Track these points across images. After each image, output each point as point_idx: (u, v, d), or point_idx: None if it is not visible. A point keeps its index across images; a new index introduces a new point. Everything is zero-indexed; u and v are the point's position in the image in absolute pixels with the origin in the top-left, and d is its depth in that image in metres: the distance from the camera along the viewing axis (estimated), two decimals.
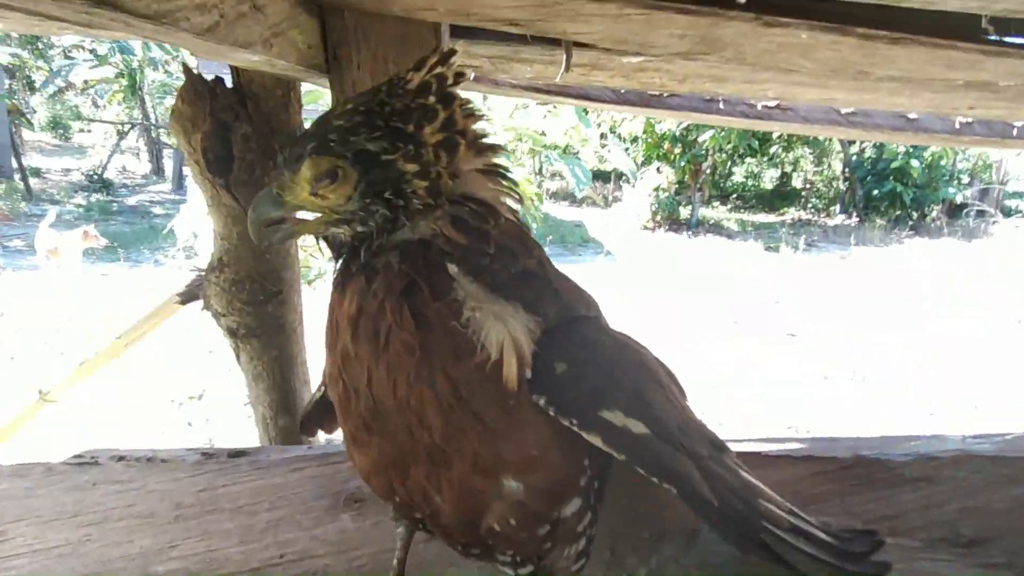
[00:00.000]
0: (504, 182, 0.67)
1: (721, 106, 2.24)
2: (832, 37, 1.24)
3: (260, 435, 1.69)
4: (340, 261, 0.66)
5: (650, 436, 0.65)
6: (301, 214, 0.65)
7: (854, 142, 19.69)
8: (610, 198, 20.06)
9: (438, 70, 0.62)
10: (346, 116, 0.63)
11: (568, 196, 20.85)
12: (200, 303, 1.67)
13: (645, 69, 1.77)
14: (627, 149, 18.68)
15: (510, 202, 0.68)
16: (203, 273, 1.60)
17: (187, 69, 1.38)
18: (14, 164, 16.50)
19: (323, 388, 0.89)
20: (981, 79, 1.38)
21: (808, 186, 21.91)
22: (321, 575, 1.00)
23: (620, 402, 0.65)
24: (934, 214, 17.62)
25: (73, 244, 8.59)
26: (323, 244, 0.68)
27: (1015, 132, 2.36)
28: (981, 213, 16.85)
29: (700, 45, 1.32)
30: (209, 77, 1.43)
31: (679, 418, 0.71)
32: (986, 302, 8.90)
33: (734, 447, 1.29)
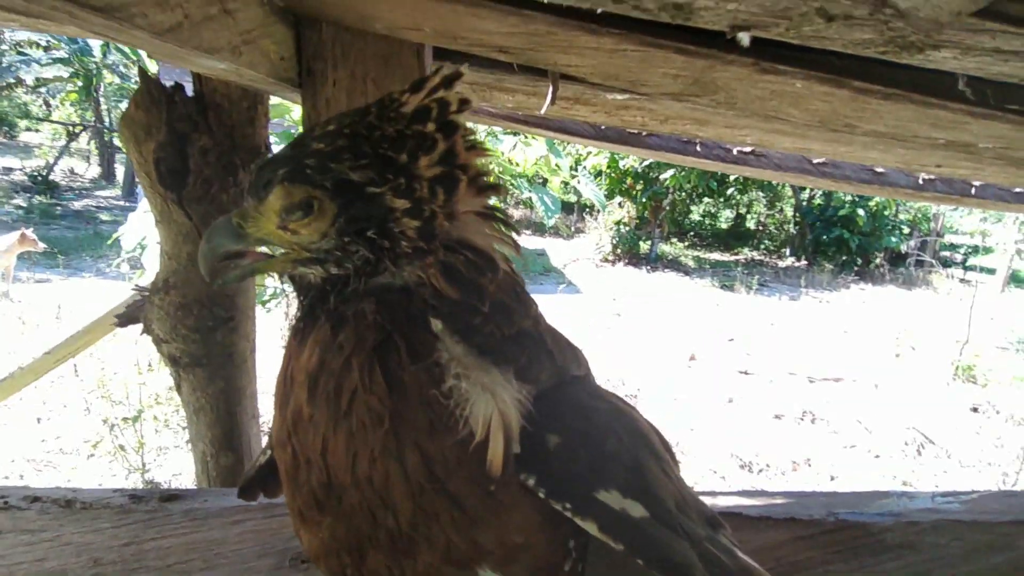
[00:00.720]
0: (503, 228, 0.59)
1: (698, 148, 2.25)
2: (826, 88, 1.23)
3: (198, 474, 1.53)
4: (304, 303, 0.57)
5: (649, 520, 0.57)
6: (264, 249, 0.55)
7: (804, 188, 20.62)
8: (573, 229, 20.31)
9: (440, 94, 0.54)
10: (327, 139, 0.54)
11: (532, 225, 21.01)
12: (140, 326, 1.52)
13: (629, 107, 1.74)
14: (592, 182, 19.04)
15: (506, 250, 0.60)
16: (146, 294, 1.46)
17: (143, 73, 1.27)
18: None
19: (268, 452, 0.77)
20: (963, 139, 1.39)
21: (761, 228, 22.75)
22: None
23: (618, 480, 0.57)
24: (878, 261, 18.50)
25: (8, 247, 8.07)
26: (286, 281, 0.59)
27: (973, 191, 2.45)
28: (920, 263, 17.80)
29: (692, 87, 1.29)
30: (169, 83, 1.32)
31: (676, 494, 0.63)
32: (924, 348, 9.30)
33: (712, 500, 1.22)
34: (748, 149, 2.26)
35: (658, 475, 0.62)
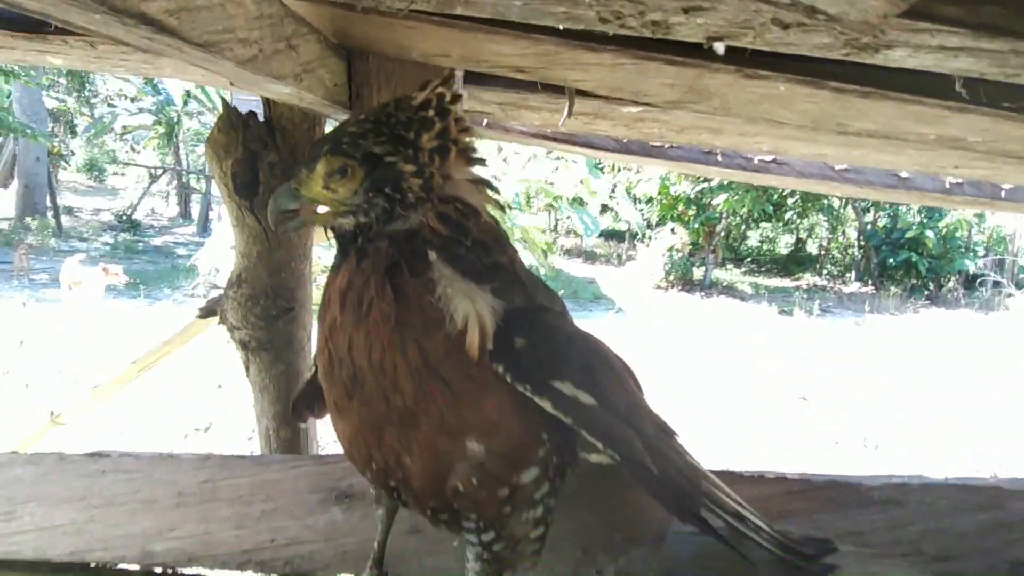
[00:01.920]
0: (489, 191, 0.78)
1: (719, 158, 2.38)
2: (808, 90, 1.36)
3: (261, 446, 1.75)
4: (340, 245, 0.76)
5: (597, 407, 0.73)
6: (314, 207, 0.76)
7: (868, 210, 19.92)
8: (624, 257, 20.26)
9: (439, 90, 0.75)
10: (358, 124, 0.75)
11: (582, 253, 21.11)
12: (216, 320, 1.78)
13: (644, 119, 1.91)
14: (642, 210, 19.05)
15: (493, 209, 0.78)
16: (224, 290, 1.72)
17: (225, 102, 1.54)
18: (48, 203, 17.20)
19: (314, 368, 0.97)
20: (951, 134, 1.48)
21: (823, 252, 22.02)
22: (308, 558, 1.05)
23: (570, 376, 0.73)
24: (950, 284, 17.53)
25: (95, 279, 8.92)
26: (331, 235, 0.79)
27: (1003, 194, 2.46)
28: (996, 284, 16.73)
29: (689, 94, 1.45)
30: (244, 111, 1.58)
31: (628, 400, 0.79)
32: (1004, 372, 8.76)
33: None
34: (769, 158, 2.37)
35: (611, 383, 0.78)
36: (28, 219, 16.34)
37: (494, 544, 0.81)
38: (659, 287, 16.62)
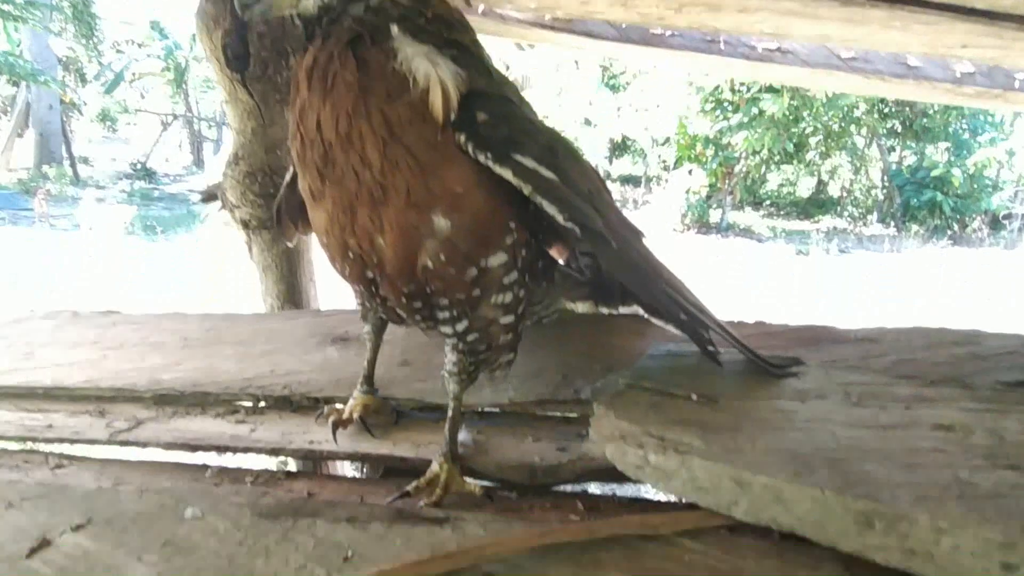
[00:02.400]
0: None
1: (722, 46, 2.32)
2: None
3: None
4: (306, 31, 0.78)
5: (557, 181, 0.75)
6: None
7: (893, 149, 19.28)
8: (640, 201, 19.98)
9: None
10: None
11: None
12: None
13: None
14: (660, 153, 18.61)
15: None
16: (222, 171, 1.76)
17: None
18: (64, 152, 17.32)
19: (292, 169, 1.00)
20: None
21: (845, 194, 21.48)
22: (305, 383, 1.12)
23: (532, 152, 0.75)
24: (975, 224, 17.07)
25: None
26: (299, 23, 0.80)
27: (1017, 84, 2.38)
28: None
29: None
30: None
31: (592, 187, 0.81)
32: None
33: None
34: (773, 46, 2.30)
35: (574, 168, 0.80)
36: (45, 167, 16.50)
37: (468, 334, 0.86)
38: (675, 230, 16.41)
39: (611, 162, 24.79)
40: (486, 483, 0.93)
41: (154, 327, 1.35)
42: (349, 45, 0.72)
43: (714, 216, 17.03)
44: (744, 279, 10.20)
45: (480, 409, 1.10)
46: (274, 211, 1.12)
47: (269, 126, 1.65)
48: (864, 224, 18.84)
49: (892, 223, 17.61)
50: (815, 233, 16.21)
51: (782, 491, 0.64)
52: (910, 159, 18.46)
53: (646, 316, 1.30)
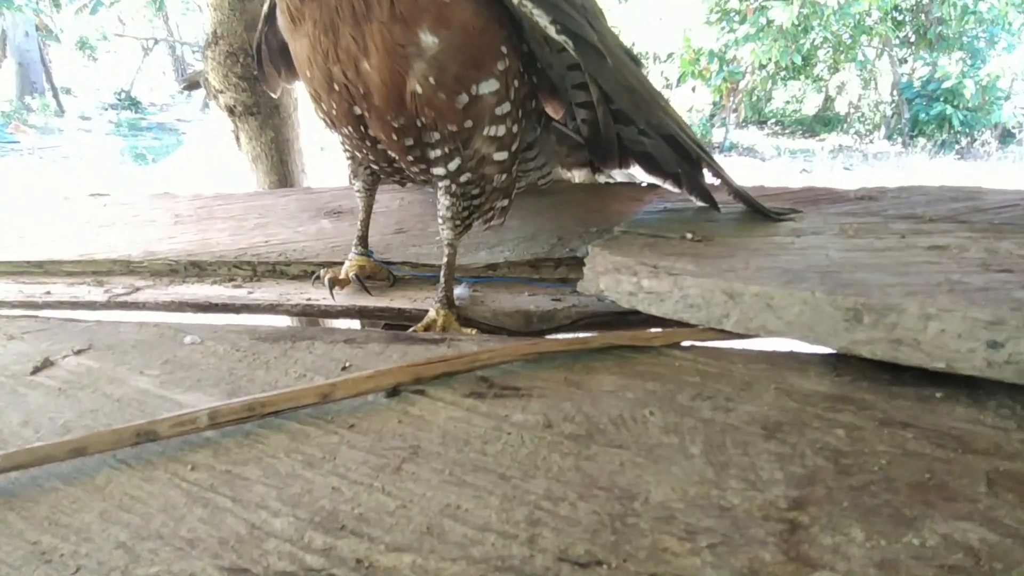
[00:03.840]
0: None
1: None
2: None
3: None
4: None
5: (556, 2, 0.71)
6: None
7: (905, 61, 18.53)
8: None
9: None
10: None
11: None
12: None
13: None
14: (662, 72, 17.91)
15: None
16: (202, 53, 1.69)
17: None
18: (45, 82, 16.71)
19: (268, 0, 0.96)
20: None
21: (852, 110, 20.87)
22: (299, 251, 1.12)
23: None
24: (984, 138, 16.65)
25: None
26: None
27: None
28: None
29: None
30: None
31: (586, 3, 0.77)
32: None
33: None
34: None
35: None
36: (27, 99, 15.99)
37: (460, 173, 0.84)
38: None
39: None
40: (485, 332, 0.94)
41: (145, 206, 1.34)
42: None
43: (717, 136, 16.63)
44: None
45: (476, 271, 1.10)
46: (254, 54, 1.07)
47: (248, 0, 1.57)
48: (870, 141, 18.42)
49: (899, 139, 17.19)
50: (820, 151, 15.87)
51: (772, 297, 0.65)
52: (922, 71, 17.77)
53: (644, 182, 1.28)
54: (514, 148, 0.86)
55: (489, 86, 0.78)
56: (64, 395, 0.61)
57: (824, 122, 20.91)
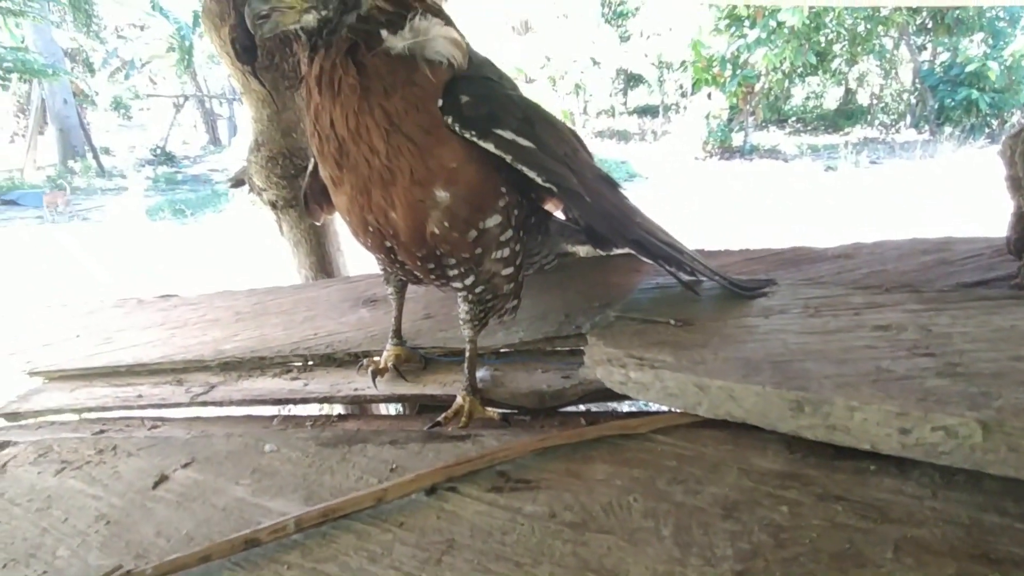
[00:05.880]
0: None
1: None
2: None
3: None
4: (309, 44, 0.90)
5: (535, 149, 0.88)
6: (282, 8, 0.89)
7: (925, 47, 18.23)
8: (659, 132, 19.47)
9: None
10: None
11: (615, 134, 20.40)
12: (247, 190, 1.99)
13: None
14: (677, 79, 17.98)
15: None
16: (246, 158, 1.91)
17: None
18: (85, 145, 17.73)
19: (311, 159, 1.15)
20: None
21: (874, 101, 20.57)
22: (344, 342, 1.30)
23: (511, 125, 0.88)
24: (1014, 119, 16.20)
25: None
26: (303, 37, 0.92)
27: None
28: None
29: None
30: None
31: (567, 150, 0.94)
32: None
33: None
34: None
35: (549, 135, 0.92)
36: (71, 162, 16.94)
37: (475, 286, 1.01)
38: (697, 158, 16.01)
39: (625, 94, 24.11)
40: (504, 410, 1.10)
41: (208, 306, 1.54)
42: (348, 53, 0.85)
43: (737, 139, 16.57)
44: (770, 202, 10.07)
45: (496, 350, 1.27)
46: (301, 197, 1.27)
47: (283, 111, 1.79)
48: (896, 131, 18.10)
49: (926, 127, 16.87)
50: (843, 147, 15.67)
51: (733, 390, 0.79)
52: (943, 56, 17.46)
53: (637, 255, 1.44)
54: (518, 262, 1.03)
55: (493, 220, 0.95)
56: (182, 507, 0.79)
57: (847, 115, 20.62)
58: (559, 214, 1.33)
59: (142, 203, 11.49)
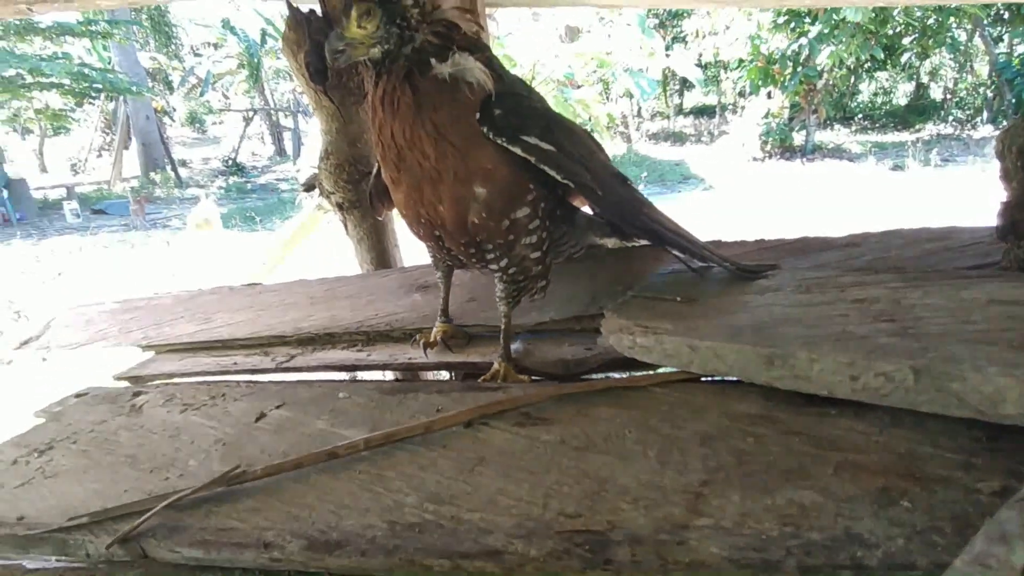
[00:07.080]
0: (469, 16, 1.10)
1: None
2: None
3: None
4: (374, 71, 1.12)
5: (555, 152, 1.07)
6: (355, 44, 1.11)
7: (1001, 39, 17.24)
8: (716, 133, 19.17)
9: None
10: None
11: (670, 136, 20.23)
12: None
13: None
14: (737, 78, 17.65)
15: (472, 26, 1.11)
16: (317, 165, 2.18)
17: (290, 4, 1.91)
18: (165, 158, 19.11)
19: (376, 165, 1.37)
20: None
21: (948, 96, 19.56)
22: (400, 320, 1.52)
23: (535, 132, 1.07)
24: None
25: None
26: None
27: None
28: None
29: None
30: (306, 10, 1.95)
31: (584, 152, 1.12)
32: None
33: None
34: None
35: (568, 141, 1.11)
36: (152, 175, 18.28)
37: (509, 268, 1.20)
38: (755, 159, 15.67)
39: (681, 95, 23.83)
40: (534, 377, 1.29)
41: (287, 291, 1.81)
42: (405, 78, 1.06)
43: (798, 139, 16.14)
44: (831, 203, 9.81)
45: (529, 328, 1.45)
46: (367, 196, 1.50)
47: (349, 124, 2.04)
48: (972, 127, 17.18)
49: (1004, 123, 15.93)
50: (913, 145, 15.01)
51: (718, 349, 0.95)
52: (1021, 48, 16.46)
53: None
54: (546, 248, 1.22)
55: (523, 211, 1.15)
56: (278, 434, 1.02)
57: (919, 111, 19.67)
58: (587, 209, 1.51)
59: (217, 211, 12.29)
